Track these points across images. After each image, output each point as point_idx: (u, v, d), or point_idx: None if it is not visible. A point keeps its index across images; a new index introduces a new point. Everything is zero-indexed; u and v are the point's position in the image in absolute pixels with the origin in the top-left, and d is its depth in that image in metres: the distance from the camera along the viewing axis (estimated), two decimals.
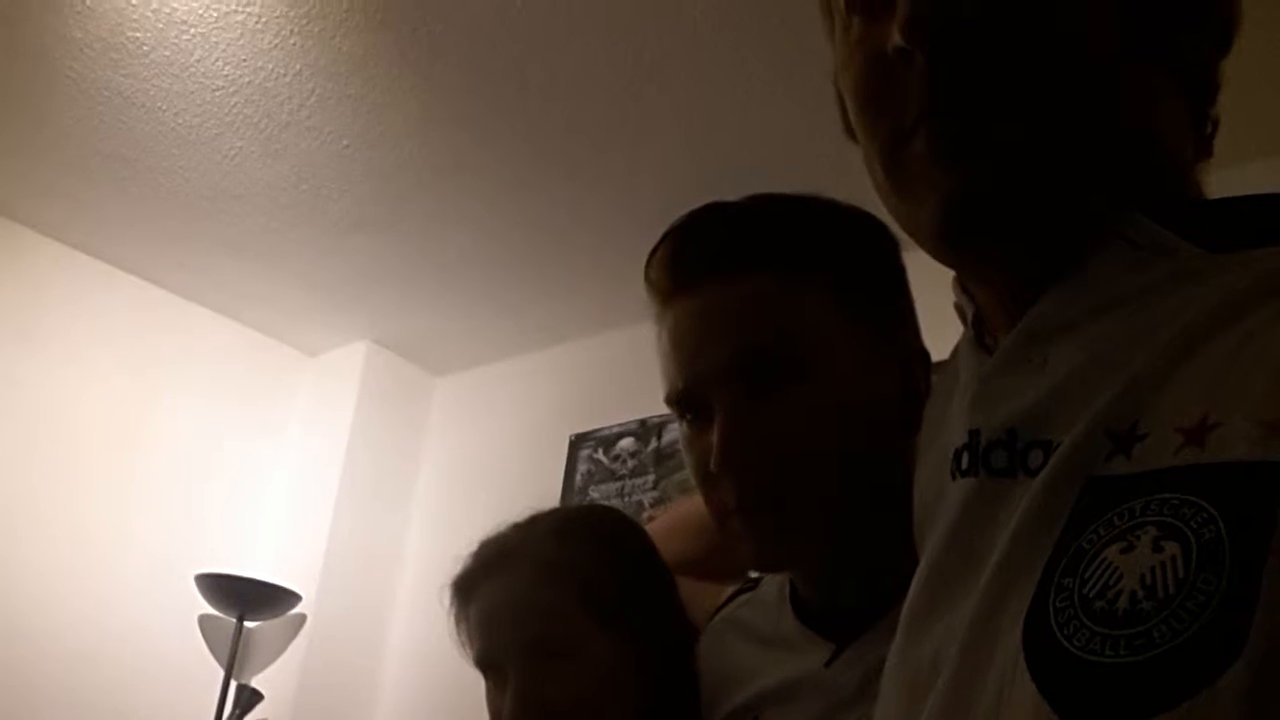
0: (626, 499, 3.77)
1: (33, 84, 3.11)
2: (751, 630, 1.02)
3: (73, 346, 3.88)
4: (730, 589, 1.11)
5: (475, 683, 1.18)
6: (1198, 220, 0.57)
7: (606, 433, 3.95)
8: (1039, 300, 0.59)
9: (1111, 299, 0.56)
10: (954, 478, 0.62)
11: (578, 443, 4.04)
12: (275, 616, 3.94)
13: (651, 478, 3.77)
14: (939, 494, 0.65)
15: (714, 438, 0.88)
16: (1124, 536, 0.47)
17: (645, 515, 3.59)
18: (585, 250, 3.64)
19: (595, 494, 3.88)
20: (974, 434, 0.60)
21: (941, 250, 0.62)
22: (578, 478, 3.99)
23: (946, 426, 0.68)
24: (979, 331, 0.67)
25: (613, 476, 3.88)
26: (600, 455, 3.96)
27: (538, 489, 3.81)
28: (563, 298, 3.95)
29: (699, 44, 2.72)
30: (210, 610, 3.87)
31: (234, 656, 3.83)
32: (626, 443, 3.87)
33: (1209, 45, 0.63)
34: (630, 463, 3.84)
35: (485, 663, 1.13)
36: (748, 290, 0.90)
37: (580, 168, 3.26)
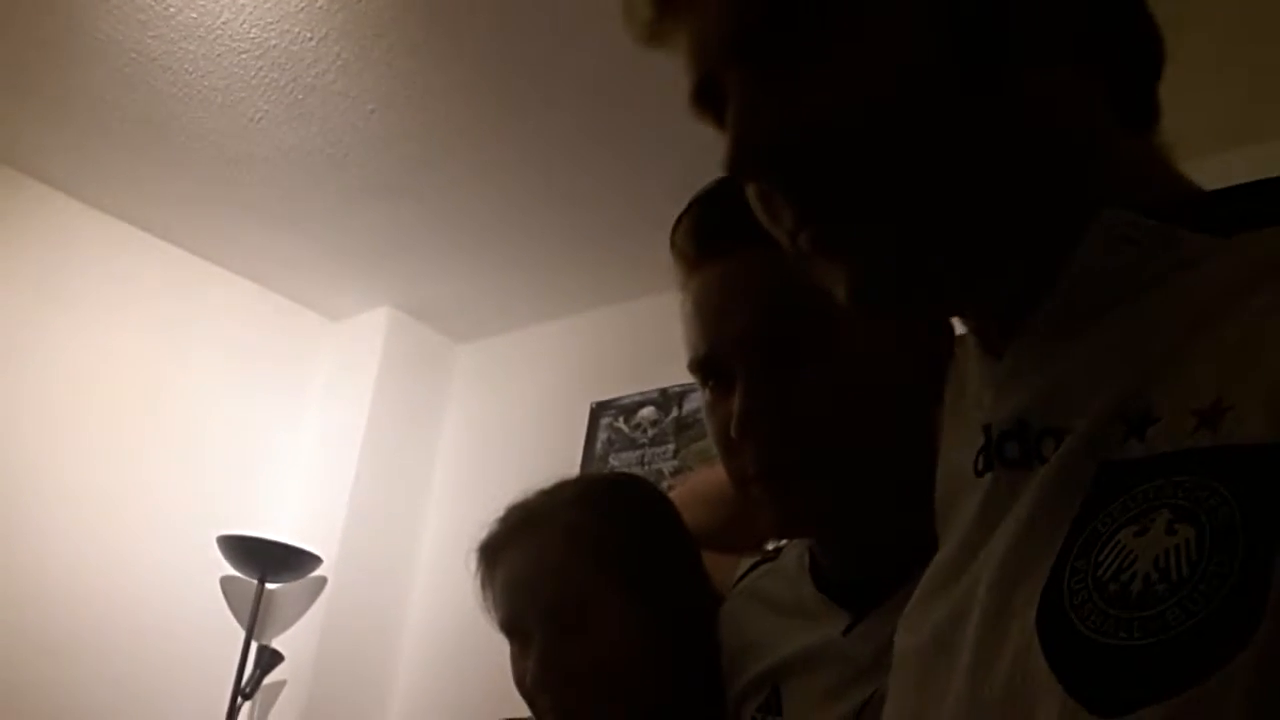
0: (647, 467, 3.78)
1: (61, 45, 3.11)
2: (772, 600, 1.02)
3: (97, 309, 3.90)
4: (750, 560, 1.12)
5: (494, 648, 1.18)
6: (1197, 211, 0.56)
7: (627, 401, 3.95)
8: (1041, 306, 0.58)
9: (1117, 291, 0.55)
10: (976, 476, 0.61)
11: (598, 411, 4.04)
12: (296, 579, 3.97)
13: (672, 447, 3.77)
14: (957, 491, 0.65)
15: (735, 405, 0.89)
16: (1138, 519, 0.47)
17: (665, 485, 3.59)
18: (609, 218, 3.63)
19: (615, 462, 3.89)
20: (987, 430, 0.59)
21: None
22: (598, 446, 3.99)
23: (963, 428, 0.67)
24: (982, 335, 0.66)
25: (633, 445, 3.89)
26: (621, 423, 3.96)
27: (558, 457, 3.82)
28: (586, 266, 3.95)
29: None
30: (232, 572, 3.91)
31: (255, 618, 3.86)
32: (647, 411, 3.87)
33: (1072, 16, 0.59)
34: (651, 431, 3.84)
35: (510, 627, 1.14)
36: (772, 258, 0.90)
37: (606, 135, 3.25)
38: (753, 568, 1.10)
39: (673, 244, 0.97)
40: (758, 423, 0.88)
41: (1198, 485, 0.45)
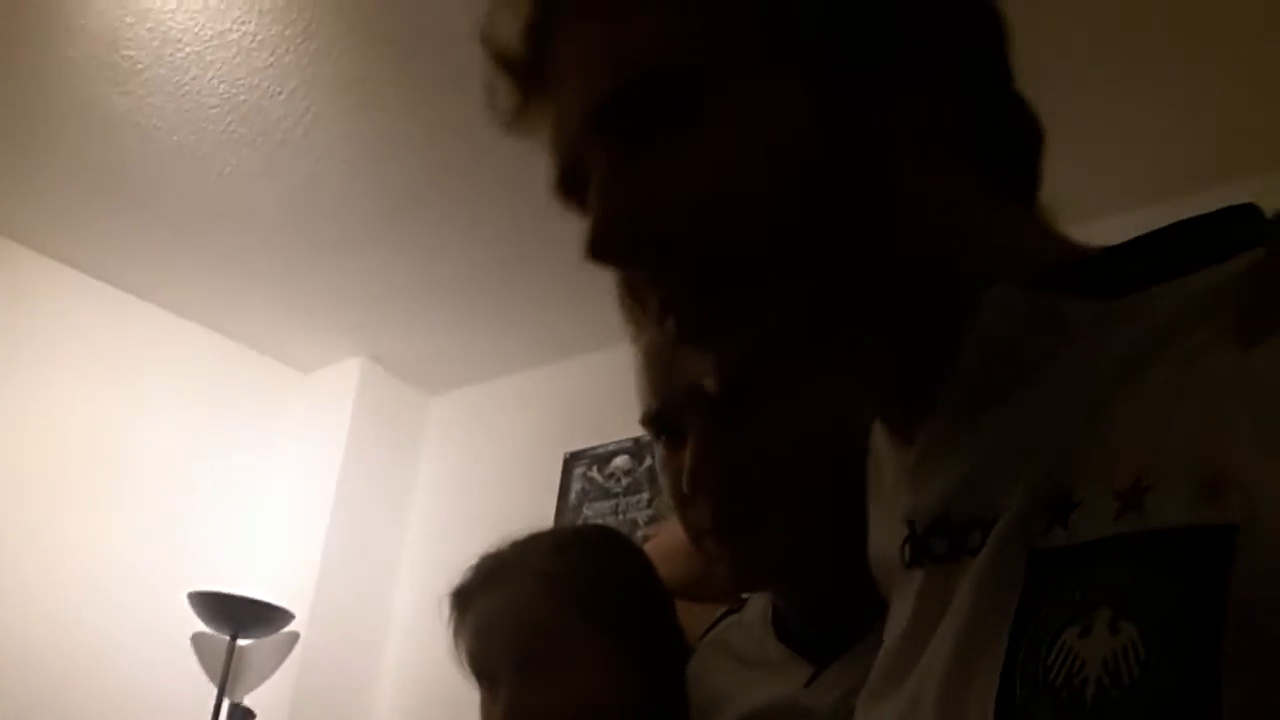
0: (621, 517, 3.77)
1: (27, 101, 3.11)
2: (737, 652, 1.02)
3: (64, 363, 3.88)
4: (720, 611, 1.11)
5: (469, 703, 1.17)
6: (1083, 275, 0.55)
7: (601, 451, 3.95)
8: (937, 398, 0.57)
9: (1013, 371, 0.54)
10: (905, 568, 0.61)
11: (572, 461, 4.03)
12: (268, 635, 3.92)
13: (646, 496, 3.76)
14: (889, 576, 0.64)
15: (686, 459, 0.88)
16: (1079, 619, 0.46)
17: (640, 534, 3.58)
18: (579, 269, 3.61)
19: (589, 512, 3.87)
20: (910, 524, 0.58)
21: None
22: (572, 496, 3.98)
23: (883, 510, 0.66)
24: (889, 424, 0.65)
25: (607, 495, 3.88)
26: (595, 473, 3.95)
27: (532, 507, 3.81)
28: (557, 316, 3.95)
29: None
30: (203, 628, 3.85)
31: (226, 675, 3.81)
32: (621, 461, 3.87)
33: (946, 93, 0.57)
34: (624, 481, 3.84)
35: (480, 672, 1.13)
36: None
37: None
38: (721, 618, 1.09)
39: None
40: (709, 476, 0.88)
41: (1132, 578, 0.45)
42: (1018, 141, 0.63)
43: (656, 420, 0.93)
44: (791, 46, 0.56)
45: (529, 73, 0.64)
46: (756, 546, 0.89)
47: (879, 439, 0.67)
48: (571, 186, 0.63)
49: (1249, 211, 0.56)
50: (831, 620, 0.89)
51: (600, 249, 0.58)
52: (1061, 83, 2.54)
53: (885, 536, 0.65)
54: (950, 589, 0.55)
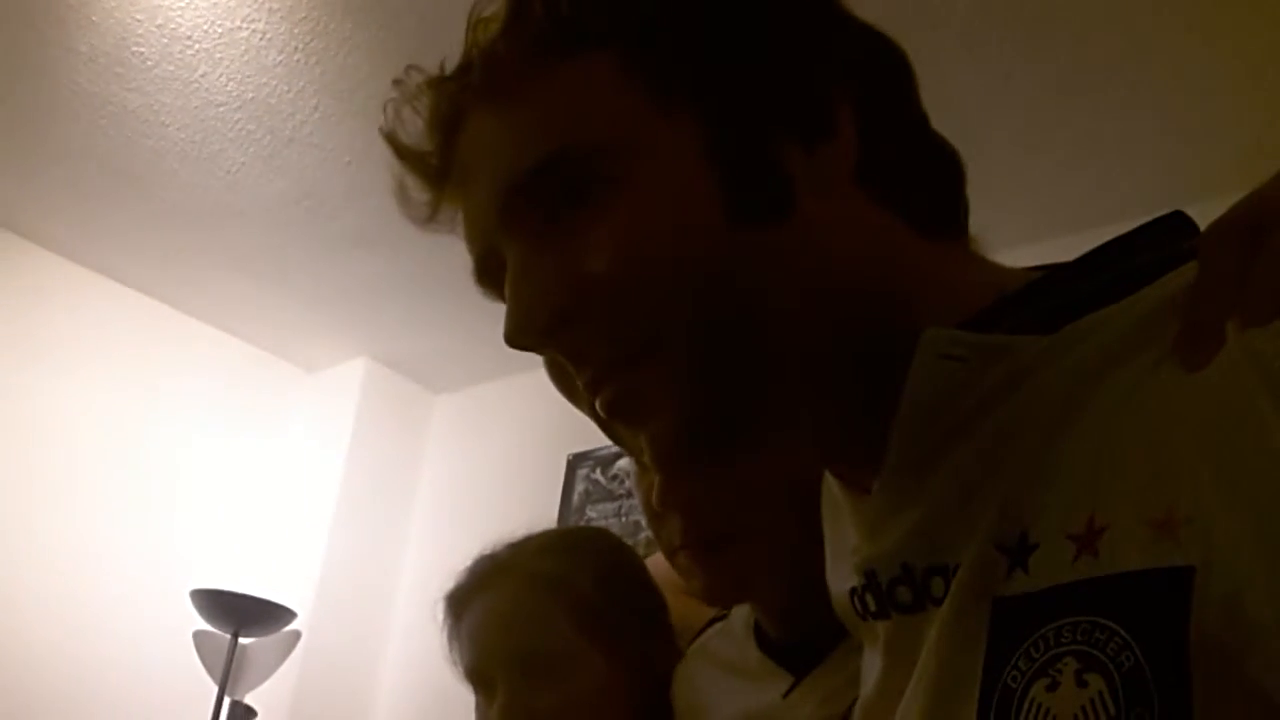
0: (624, 519, 3.76)
1: (37, 97, 3.11)
2: (720, 660, 1.02)
3: (72, 360, 3.88)
4: (707, 618, 1.11)
5: (470, 702, 1.17)
6: (1019, 309, 0.55)
7: (604, 452, 3.94)
8: (892, 442, 0.56)
9: (961, 417, 0.53)
10: (864, 619, 0.60)
11: (575, 462, 4.03)
12: (270, 633, 3.92)
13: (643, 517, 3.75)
14: (844, 616, 0.64)
15: (656, 476, 0.88)
16: (1046, 671, 0.46)
17: (642, 536, 3.58)
18: None
19: (593, 513, 3.87)
20: (871, 575, 0.58)
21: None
22: (575, 497, 3.98)
23: (837, 553, 0.66)
24: (840, 475, 0.64)
25: (610, 496, 3.87)
26: (598, 475, 3.95)
27: (535, 508, 3.80)
28: None
29: None
30: (205, 626, 3.86)
31: (228, 673, 3.81)
32: (624, 463, 3.86)
33: (840, 147, 0.57)
34: (628, 483, 3.83)
35: (475, 676, 1.13)
36: None
37: None
38: (708, 625, 1.09)
39: None
40: (679, 493, 0.88)
41: (1094, 626, 0.44)
42: (935, 177, 0.62)
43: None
44: (680, 114, 0.56)
45: (438, 169, 0.64)
46: (727, 562, 0.89)
47: (831, 485, 0.66)
48: (489, 275, 0.63)
49: (1178, 221, 0.56)
50: (809, 631, 0.89)
51: (516, 336, 0.59)
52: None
53: (841, 581, 0.64)
54: (918, 640, 0.54)
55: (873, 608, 0.59)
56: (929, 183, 0.61)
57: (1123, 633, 0.43)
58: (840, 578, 0.65)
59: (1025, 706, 0.46)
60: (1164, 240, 0.54)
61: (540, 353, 0.60)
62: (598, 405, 0.58)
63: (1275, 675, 0.39)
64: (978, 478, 0.52)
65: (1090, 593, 0.45)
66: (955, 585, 0.52)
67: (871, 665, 0.61)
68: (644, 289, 0.55)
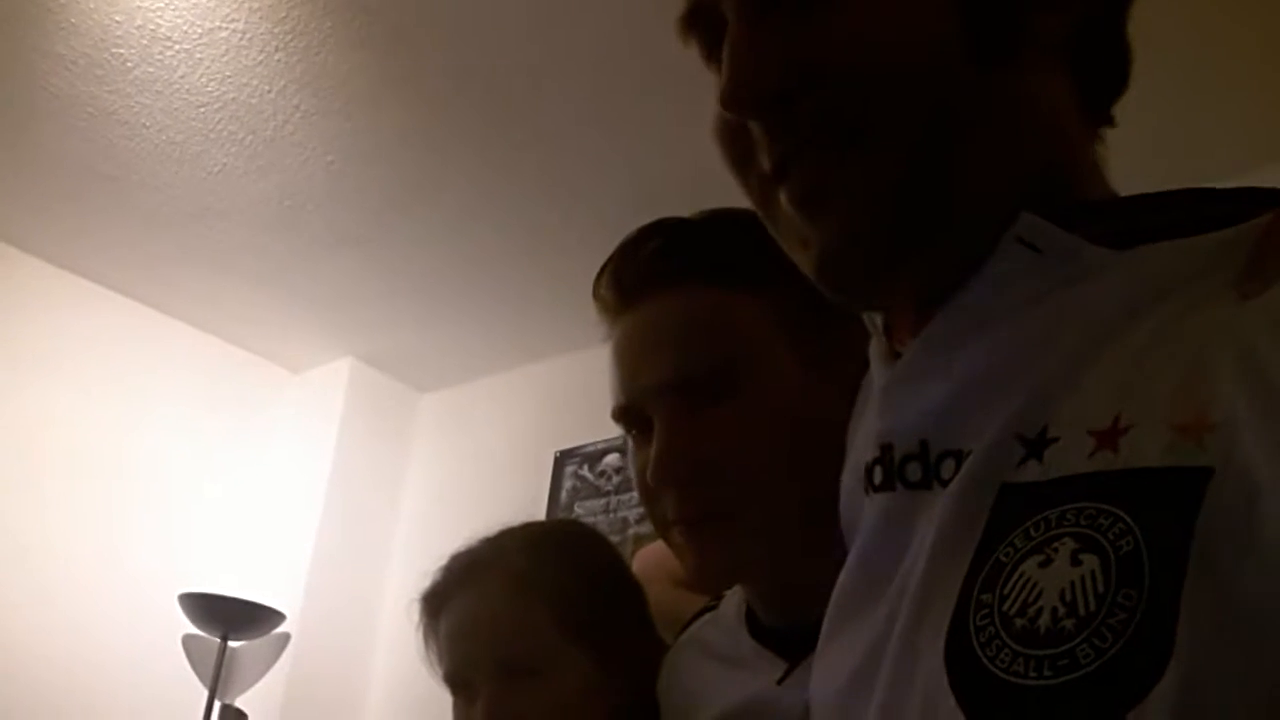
0: (612, 515, 3.76)
1: (15, 99, 3.09)
2: (712, 649, 1.01)
3: (54, 364, 3.86)
4: (697, 607, 1.11)
5: None
6: (1099, 219, 0.56)
7: (591, 449, 3.94)
8: (942, 308, 0.58)
9: (1015, 303, 0.55)
10: (868, 493, 0.61)
11: (563, 459, 4.03)
12: (259, 636, 3.91)
13: (637, 494, 3.75)
14: (855, 509, 0.64)
15: (653, 450, 0.88)
16: (1042, 549, 0.46)
17: (631, 533, 3.58)
18: (570, 265, 3.63)
19: (580, 510, 3.87)
20: (886, 448, 0.59)
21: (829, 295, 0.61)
22: (563, 494, 3.98)
23: (858, 441, 0.67)
24: (890, 339, 0.65)
25: (598, 493, 3.88)
26: (585, 471, 3.95)
27: (523, 505, 3.80)
28: (548, 312, 3.95)
29: (679, 65, 2.72)
30: (194, 630, 3.84)
31: (217, 676, 3.80)
32: (612, 459, 3.86)
33: (1074, 18, 0.59)
34: (615, 479, 3.83)
35: (454, 679, 1.12)
36: (684, 305, 0.90)
37: (564, 184, 3.26)
38: (698, 615, 1.09)
39: (595, 293, 0.97)
40: (675, 467, 0.87)
41: (1099, 512, 0.45)
42: (1115, 70, 0.64)
43: (625, 413, 0.94)
44: None
45: None
46: (722, 538, 0.88)
47: (874, 360, 0.67)
48: (698, 26, 0.64)
49: (1261, 192, 0.57)
50: (803, 616, 0.89)
51: (736, 100, 0.58)
52: None
53: (855, 461, 0.65)
54: (917, 514, 0.55)
55: (878, 480, 0.59)
56: (1109, 73, 0.64)
57: (1127, 518, 0.44)
58: (853, 460, 0.66)
59: (1014, 579, 0.46)
60: (1245, 198, 0.55)
61: (749, 118, 0.60)
62: (785, 188, 0.59)
63: (1265, 581, 0.39)
64: (1011, 367, 0.53)
65: (1102, 483, 0.45)
66: (966, 467, 0.52)
67: (859, 543, 0.61)
68: (871, 81, 0.56)
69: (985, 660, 0.46)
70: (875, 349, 0.66)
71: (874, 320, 0.67)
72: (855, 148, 0.56)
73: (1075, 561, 0.44)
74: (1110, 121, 0.64)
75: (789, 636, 0.90)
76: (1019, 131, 0.58)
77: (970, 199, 0.57)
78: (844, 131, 0.57)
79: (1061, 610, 0.44)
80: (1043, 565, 0.45)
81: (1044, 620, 0.44)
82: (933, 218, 0.57)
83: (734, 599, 1.01)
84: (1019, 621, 0.45)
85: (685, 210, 0.98)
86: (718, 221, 0.95)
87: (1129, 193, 0.60)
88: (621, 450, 3.84)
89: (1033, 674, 0.44)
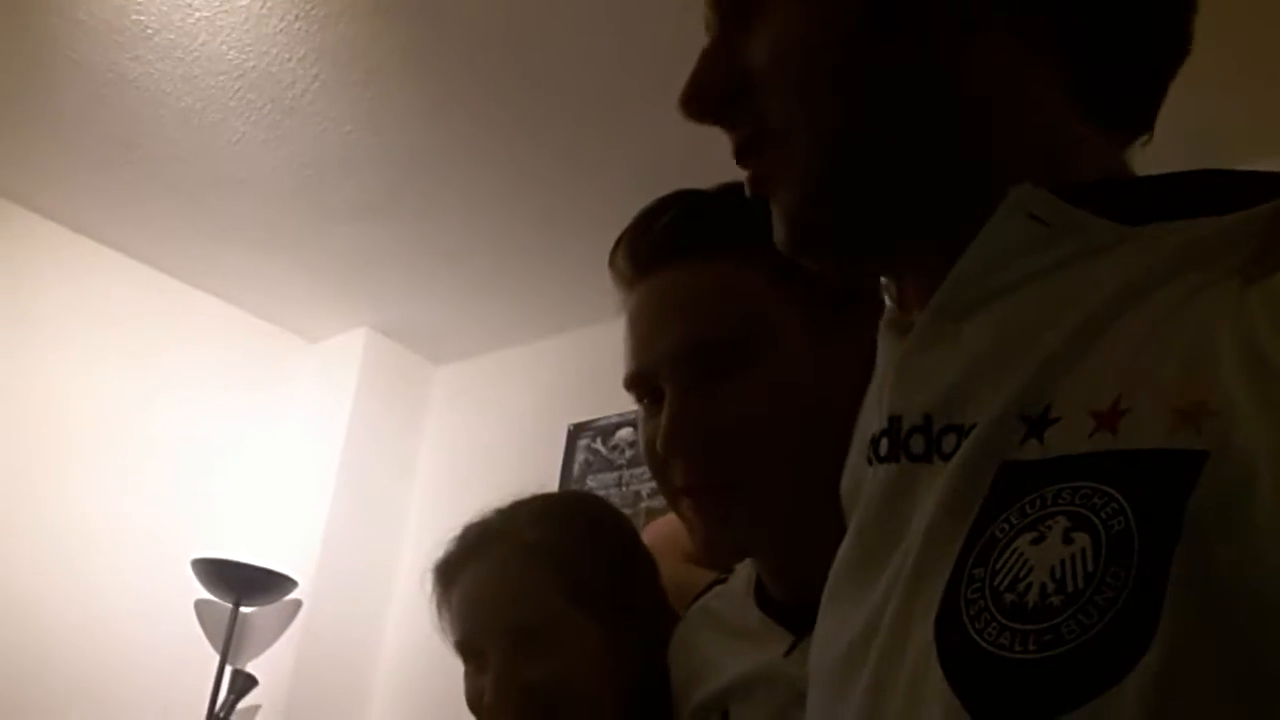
0: (624, 489, 3.77)
1: (37, 66, 3.10)
2: (721, 621, 1.02)
3: (72, 330, 3.88)
4: (708, 579, 1.11)
5: None
6: (1110, 196, 0.56)
7: (605, 422, 3.95)
8: (946, 279, 0.58)
9: (1020, 276, 0.55)
10: (871, 463, 0.61)
11: (576, 432, 4.04)
12: (271, 602, 3.94)
13: (646, 464, 3.76)
14: (858, 480, 0.65)
15: (663, 419, 0.89)
16: (1035, 526, 0.46)
17: (643, 506, 3.59)
18: (586, 239, 3.63)
19: (593, 483, 3.88)
20: (895, 420, 0.59)
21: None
22: (576, 467, 3.99)
23: (865, 414, 0.67)
24: (904, 309, 0.66)
25: (611, 466, 3.89)
26: (599, 445, 3.96)
27: (536, 478, 3.77)
28: (563, 287, 3.95)
29: (703, 37, 2.71)
30: (206, 595, 3.88)
31: (229, 641, 3.83)
32: (625, 432, 3.87)
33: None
34: (628, 452, 3.84)
35: (466, 647, 1.13)
36: (699, 276, 0.91)
37: (582, 156, 3.26)
38: (710, 586, 1.09)
39: (612, 263, 0.98)
40: (683, 436, 0.88)
41: (1094, 492, 0.45)
42: (1125, 58, 0.62)
43: (637, 382, 0.95)
44: None
45: None
46: (729, 511, 0.89)
47: (885, 335, 0.67)
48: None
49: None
50: (810, 588, 0.89)
51: (687, 102, 0.68)
52: None
53: (861, 433, 0.66)
54: (918, 487, 0.56)
55: (884, 452, 0.60)
56: (1113, 64, 0.62)
57: (1120, 498, 0.44)
58: (861, 437, 0.66)
59: (1006, 554, 0.47)
60: (1258, 182, 0.55)
61: (696, 121, 0.68)
62: (746, 175, 0.66)
63: (1253, 566, 0.39)
64: (1016, 343, 0.53)
65: (1099, 463, 0.46)
66: (967, 443, 0.53)
67: (860, 514, 0.62)
68: (780, 84, 0.61)
69: (973, 633, 0.46)
70: (889, 320, 0.67)
71: (890, 290, 0.68)
72: (777, 143, 0.62)
73: (1067, 540, 0.45)
74: (1128, 112, 0.63)
75: (797, 610, 0.90)
76: (960, 102, 0.59)
77: (916, 175, 0.60)
78: (771, 132, 0.62)
79: (1050, 586, 0.44)
80: (1035, 542, 0.46)
81: (1032, 596, 0.45)
82: (862, 199, 0.61)
83: (744, 572, 1.02)
84: (1008, 596, 0.46)
85: (704, 184, 0.98)
86: (734, 194, 0.94)
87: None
88: (634, 425, 3.85)
89: (1017, 648, 0.44)
